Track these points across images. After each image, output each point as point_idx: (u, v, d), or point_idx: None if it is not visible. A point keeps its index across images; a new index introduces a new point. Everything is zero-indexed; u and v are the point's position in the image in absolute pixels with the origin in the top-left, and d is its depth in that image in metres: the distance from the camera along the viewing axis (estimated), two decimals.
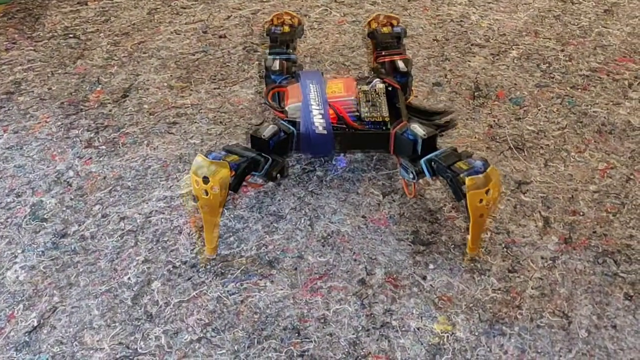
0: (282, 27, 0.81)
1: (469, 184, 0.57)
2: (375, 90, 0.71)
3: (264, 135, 0.65)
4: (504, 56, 0.94)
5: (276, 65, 0.75)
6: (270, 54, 0.78)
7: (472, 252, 0.63)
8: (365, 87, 0.71)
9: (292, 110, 0.69)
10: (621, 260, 0.63)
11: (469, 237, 0.62)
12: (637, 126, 0.81)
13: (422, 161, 0.62)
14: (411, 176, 0.64)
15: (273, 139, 0.65)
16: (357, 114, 0.68)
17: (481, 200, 0.58)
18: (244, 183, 0.64)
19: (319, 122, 0.66)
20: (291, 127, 0.67)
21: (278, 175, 0.64)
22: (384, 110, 0.69)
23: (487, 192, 0.57)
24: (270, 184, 0.72)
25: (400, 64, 0.75)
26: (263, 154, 0.63)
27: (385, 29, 0.79)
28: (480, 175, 0.57)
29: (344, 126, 0.68)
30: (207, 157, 0.60)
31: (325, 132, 0.66)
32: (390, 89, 0.72)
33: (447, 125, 0.78)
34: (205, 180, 0.58)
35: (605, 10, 1.07)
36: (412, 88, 0.77)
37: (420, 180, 0.73)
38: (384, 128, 0.68)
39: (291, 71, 0.75)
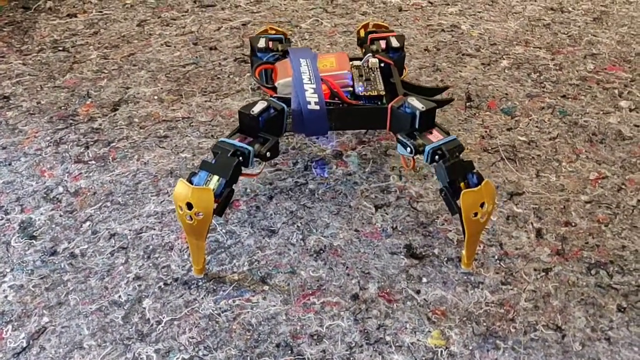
0: None
1: (463, 198, 0.57)
2: (368, 65, 0.69)
3: (252, 112, 0.61)
4: (495, 66, 0.94)
5: (262, 42, 0.72)
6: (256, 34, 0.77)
7: (467, 267, 0.63)
8: (358, 63, 0.69)
9: (282, 85, 0.65)
10: (614, 271, 0.63)
11: (464, 252, 0.62)
12: (627, 135, 0.81)
13: (427, 147, 0.59)
14: (408, 150, 0.61)
15: (263, 116, 0.61)
16: (351, 89, 0.66)
17: (475, 214, 0.57)
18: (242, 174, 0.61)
19: (311, 97, 0.63)
20: (282, 104, 0.63)
21: (268, 153, 0.60)
22: (379, 84, 0.66)
23: (481, 205, 0.57)
24: (262, 197, 0.71)
25: (393, 40, 0.73)
26: (246, 147, 0.59)
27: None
28: (475, 189, 0.57)
29: (338, 102, 0.65)
30: (189, 181, 0.58)
31: (318, 107, 0.63)
32: (382, 65, 0.70)
33: (445, 102, 0.78)
34: (189, 206, 0.56)
35: (594, 18, 1.07)
36: (405, 66, 0.76)
37: (415, 185, 0.73)
38: (379, 103, 0.65)
39: (278, 50, 0.72)
